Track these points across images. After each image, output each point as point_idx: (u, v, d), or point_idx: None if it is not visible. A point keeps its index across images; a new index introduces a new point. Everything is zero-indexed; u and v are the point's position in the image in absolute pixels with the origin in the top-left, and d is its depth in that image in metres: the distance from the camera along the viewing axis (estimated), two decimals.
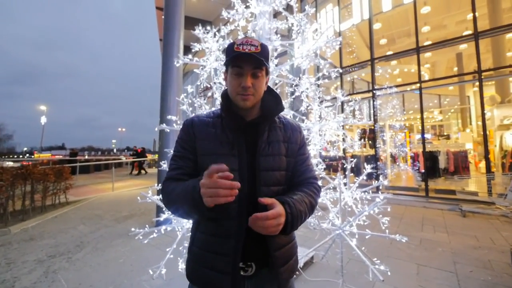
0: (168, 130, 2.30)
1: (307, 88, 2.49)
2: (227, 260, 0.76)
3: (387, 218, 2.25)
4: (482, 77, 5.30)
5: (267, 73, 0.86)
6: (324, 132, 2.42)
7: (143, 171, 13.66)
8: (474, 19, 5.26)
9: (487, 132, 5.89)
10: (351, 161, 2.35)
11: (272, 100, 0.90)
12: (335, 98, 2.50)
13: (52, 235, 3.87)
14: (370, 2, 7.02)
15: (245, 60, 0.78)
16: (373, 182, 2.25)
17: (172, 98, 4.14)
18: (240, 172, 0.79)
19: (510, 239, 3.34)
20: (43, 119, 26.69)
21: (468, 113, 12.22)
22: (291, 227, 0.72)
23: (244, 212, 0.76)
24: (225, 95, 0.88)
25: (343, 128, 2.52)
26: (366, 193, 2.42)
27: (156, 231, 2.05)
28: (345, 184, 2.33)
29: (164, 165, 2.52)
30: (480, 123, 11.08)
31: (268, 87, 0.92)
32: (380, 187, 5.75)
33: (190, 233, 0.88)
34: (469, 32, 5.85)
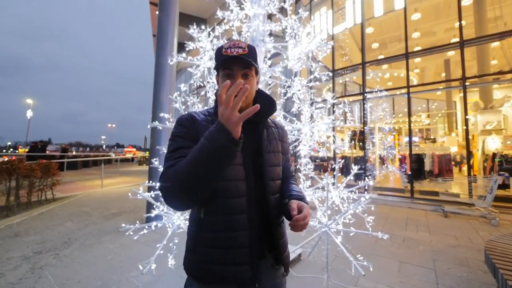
0: (161, 128, 2.32)
1: (299, 90, 2.56)
2: (245, 252, 0.78)
3: (371, 217, 2.35)
4: (467, 83, 5.53)
5: (257, 73, 0.88)
6: (313, 133, 2.49)
7: None
8: (460, 27, 5.47)
9: (470, 137, 6.13)
10: (339, 161, 2.44)
11: (264, 101, 0.91)
12: (326, 100, 2.58)
13: (38, 232, 3.80)
14: (362, 6, 7.18)
15: (234, 62, 0.81)
16: (361, 183, 2.34)
17: (165, 95, 4.13)
18: (245, 166, 0.82)
19: (487, 238, 3.52)
20: (29, 113, 25.81)
21: (454, 118, 12.66)
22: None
23: (254, 205, 0.81)
24: None
25: (333, 130, 2.60)
26: (353, 193, 2.52)
27: (146, 227, 2.07)
28: (333, 184, 2.41)
29: (156, 162, 2.54)
30: (465, 127, 11.56)
31: (259, 90, 0.93)
32: (367, 187, 5.92)
33: (189, 235, 0.85)
34: (456, 39, 6.10)
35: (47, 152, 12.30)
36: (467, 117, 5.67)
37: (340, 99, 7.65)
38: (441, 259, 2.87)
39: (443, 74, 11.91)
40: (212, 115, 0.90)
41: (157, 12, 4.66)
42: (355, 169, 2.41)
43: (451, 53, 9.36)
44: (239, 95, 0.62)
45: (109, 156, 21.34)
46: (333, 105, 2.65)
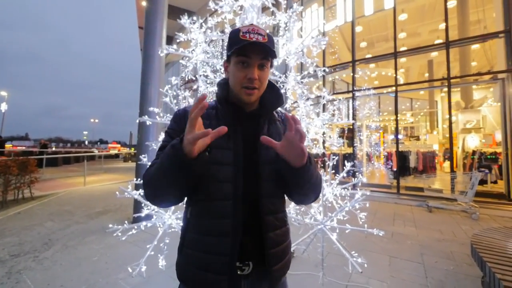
0: (150, 123, 2.21)
1: (294, 86, 2.52)
2: (224, 260, 0.72)
3: (364, 213, 2.37)
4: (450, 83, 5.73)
5: (271, 65, 0.82)
6: (308, 130, 2.47)
7: None
8: (447, 29, 5.64)
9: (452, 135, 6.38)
10: (333, 158, 2.43)
11: (272, 93, 0.85)
12: (319, 96, 2.56)
13: (15, 233, 3.56)
14: (353, 5, 7.24)
15: (254, 50, 0.73)
16: (351, 179, 2.35)
17: (153, 89, 3.96)
18: (235, 166, 0.75)
19: (469, 232, 3.69)
20: (4, 106, 24.26)
21: (435, 117, 13.19)
22: (309, 162, 0.71)
23: (240, 209, 0.74)
24: (223, 84, 0.83)
25: (326, 127, 2.59)
26: (346, 189, 2.53)
27: (135, 227, 1.97)
28: (326, 181, 2.41)
29: (145, 159, 2.43)
30: (445, 126, 12.07)
31: (268, 81, 0.86)
32: (359, 184, 6.03)
33: (180, 233, 0.83)
34: (440, 41, 6.31)
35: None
36: (450, 116, 5.87)
37: (332, 96, 7.70)
38: (428, 253, 2.96)
39: (426, 74, 12.34)
40: (210, 108, 0.84)
41: (143, 3, 4.45)
42: (347, 165, 2.41)
43: (434, 54, 9.67)
44: (195, 112, 0.58)
45: (92, 152, 20.52)
46: (324, 102, 2.64)
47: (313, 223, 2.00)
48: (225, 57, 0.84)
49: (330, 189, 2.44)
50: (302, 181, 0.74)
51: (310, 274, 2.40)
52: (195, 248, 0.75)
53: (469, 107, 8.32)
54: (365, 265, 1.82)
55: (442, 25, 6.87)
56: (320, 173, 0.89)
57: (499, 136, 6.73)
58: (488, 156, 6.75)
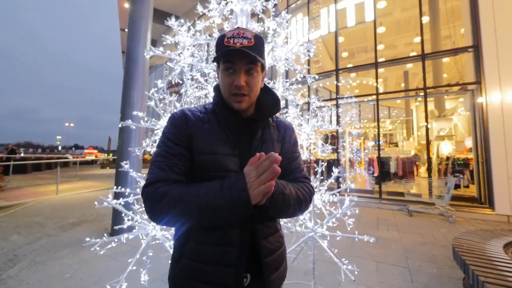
0: (134, 127, 2.09)
1: (283, 92, 2.52)
2: (230, 272, 0.69)
3: (352, 219, 2.38)
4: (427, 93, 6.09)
5: (263, 68, 0.80)
6: (301, 135, 2.47)
7: None
8: (422, 42, 6.01)
9: (425, 142, 6.74)
10: (322, 165, 2.44)
11: (269, 99, 0.83)
12: (305, 103, 2.58)
13: None
14: (336, 16, 7.53)
15: (237, 55, 0.71)
16: (337, 185, 2.36)
17: (137, 92, 3.80)
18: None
19: (447, 235, 3.85)
20: None
21: (411, 124, 13.95)
22: (270, 200, 0.66)
23: (248, 218, 0.71)
24: (218, 89, 0.81)
25: (315, 133, 2.60)
26: (334, 195, 2.54)
27: (116, 240, 1.82)
28: (315, 187, 2.40)
29: (126, 165, 2.28)
30: (420, 133, 12.77)
31: (265, 85, 0.85)
32: (348, 190, 6.13)
33: (175, 243, 0.77)
34: (415, 53, 6.71)
35: None
36: (426, 124, 6.22)
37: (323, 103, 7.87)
38: (412, 257, 3.04)
39: (403, 84, 13.08)
40: (209, 112, 0.81)
41: (125, 5, 4.31)
42: (335, 172, 2.43)
43: (409, 65, 10.31)
44: (268, 184, 0.60)
45: (66, 158, 19.28)
46: (309, 108, 2.66)
47: (304, 231, 1.97)
48: (210, 61, 0.82)
49: (319, 195, 2.44)
50: (272, 214, 0.75)
51: (301, 283, 2.36)
52: (198, 259, 0.71)
53: (442, 115, 8.88)
54: (356, 272, 1.81)
55: (417, 39, 7.35)
56: (308, 187, 0.84)
57: (469, 143, 7.21)
58: (459, 162, 7.21)
